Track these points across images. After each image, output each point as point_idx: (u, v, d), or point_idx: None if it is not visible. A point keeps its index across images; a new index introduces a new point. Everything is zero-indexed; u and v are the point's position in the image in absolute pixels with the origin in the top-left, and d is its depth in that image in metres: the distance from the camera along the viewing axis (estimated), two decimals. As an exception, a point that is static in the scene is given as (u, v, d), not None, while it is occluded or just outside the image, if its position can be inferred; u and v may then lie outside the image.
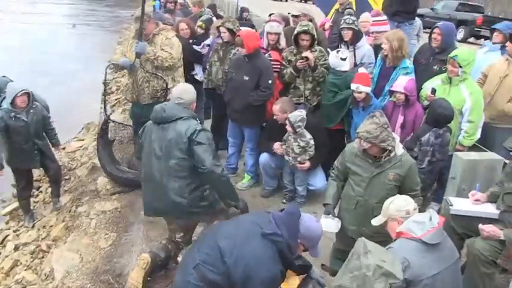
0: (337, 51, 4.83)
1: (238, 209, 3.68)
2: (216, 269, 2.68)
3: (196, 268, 2.73)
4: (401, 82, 4.46)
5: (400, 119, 4.56)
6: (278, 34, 5.17)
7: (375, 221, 2.94)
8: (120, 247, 4.08)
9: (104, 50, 16.05)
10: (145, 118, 3.82)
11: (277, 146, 4.74)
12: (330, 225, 3.49)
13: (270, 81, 4.78)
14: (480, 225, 3.17)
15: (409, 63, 4.82)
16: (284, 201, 5.02)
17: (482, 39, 16.18)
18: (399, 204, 2.78)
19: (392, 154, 3.32)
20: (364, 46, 5.28)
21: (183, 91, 3.61)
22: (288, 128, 4.57)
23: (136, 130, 4.77)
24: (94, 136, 7.62)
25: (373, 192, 3.23)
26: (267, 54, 5.08)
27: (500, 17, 20.76)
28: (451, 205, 3.52)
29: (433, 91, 4.40)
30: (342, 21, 5.17)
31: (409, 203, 2.77)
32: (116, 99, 9.98)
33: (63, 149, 7.42)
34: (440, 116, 4.06)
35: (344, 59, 4.77)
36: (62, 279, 3.82)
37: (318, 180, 4.85)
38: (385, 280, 2.35)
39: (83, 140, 7.98)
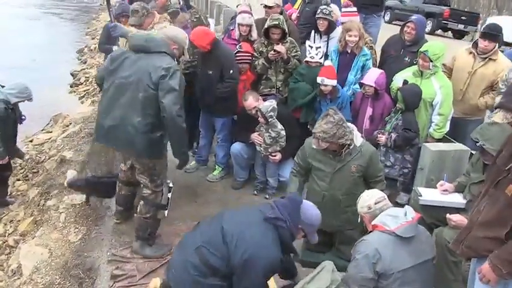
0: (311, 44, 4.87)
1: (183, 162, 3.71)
2: (217, 252, 2.69)
3: (198, 250, 2.73)
4: (372, 75, 4.54)
5: (369, 110, 4.65)
6: (250, 26, 5.15)
7: None
8: (90, 241, 4.00)
9: (72, 40, 15.66)
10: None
11: (255, 135, 4.74)
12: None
13: (231, 71, 4.73)
14: (448, 215, 3.25)
15: (367, 50, 4.95)
16: (255, 192, 5.02)
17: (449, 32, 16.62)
18: (363, 200, 2.90)
19: (351, 146, 3.38)
20: (337, 37, 5.31)
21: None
22: (260, 119, 4.58)
23: None
24: (62, 128, 7.47)
25: (337, 186, 3.27)
26: (237, 46, 5.05)
27: (465, 10, 21.34)
28: (420, 195, 3.60)
29: (405, 83, 4.48)
30: (319, 10, 5.17)
31: (371, 197, 2.86)
32: (84, 91, 9.77)
33: (31, 141, 7.26)
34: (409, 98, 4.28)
35: (318, 48, 4.83)
36: (31, 275, 3.72)
37: (288, 172, 4.84)
38: None
39: (51, 132, 7.78)
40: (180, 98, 3.37)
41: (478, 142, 3.14)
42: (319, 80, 4.57)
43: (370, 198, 2.84)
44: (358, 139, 3.44)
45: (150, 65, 3.30)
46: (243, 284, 2.70)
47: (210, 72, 4.73)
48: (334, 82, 4.61)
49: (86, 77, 10.59)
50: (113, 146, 3.76)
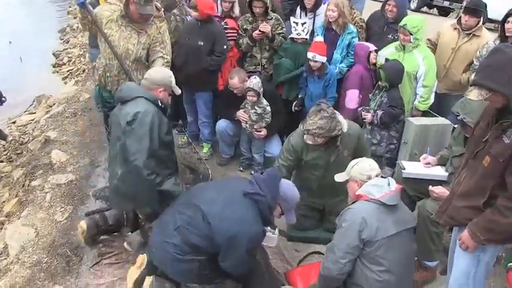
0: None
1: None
2: (199, 232, 2.72)
3: (178, 230, 2.77)
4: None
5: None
6: (232, 2, 5.09)
7: (338, 177, 3.03)
8: (77, 220, 3.99)
9: (52, 20, 15.31)
10: (114, 104, 3.57)
11: (240, 113, 4.73)
12: (271, 239, 3.29)
13: (224, 47, 4.75)
14: (430, 187, 3.32)
15: (353, 27, 4.93)
16: (241, 169, 5.06)
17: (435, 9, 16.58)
18: (363, 168, 2.86)
19: (341, 134, 3.39)
20: (323, 14, 5.27)
21: (154, 69, 3.49)
22: (252, 97, 4.56)
23: (106, 113, 4.28)
24: (46, 109, 7.37)
25: (333, 173, 3.21)
26: (223, 22, 4.99)
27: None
28: (403, 169, 3.66)
29: (386, 61, 4.50)
30: None
31: (373, 169, 2.85)
32: (68, 71, 9.61)
33: (14, 123, 7.16)
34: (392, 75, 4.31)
35: (304, 24, 4.80)
36: (17, 255, 3.72)
37: (274, 147, 4.89)
38: None
39: (34, 113, 7.67)
40: (148, 144, 3.03)
41: (459, 115, 3.19)
42: (310, 55, 4.54)
43: (372, 169, 2.84)
44: (344, 124, 3.43)
45: (122, 114, 3.14)
46: (228, 261, 2.76)
47: (201, 43, 4.69)
48: (324, 59, 4.59)
49: (68, 57, 10.40)
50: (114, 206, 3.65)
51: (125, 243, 3.67)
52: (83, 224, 3.56)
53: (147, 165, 3.01)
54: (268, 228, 3.10)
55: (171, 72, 3.48)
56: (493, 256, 2.55)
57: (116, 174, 3.20)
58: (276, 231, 3.27)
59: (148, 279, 2.96)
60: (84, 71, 9.19)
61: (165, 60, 4.10)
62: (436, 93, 4.74)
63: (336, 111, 3.43)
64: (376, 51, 4.70)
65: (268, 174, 2.96)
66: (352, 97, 4.75)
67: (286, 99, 4.97)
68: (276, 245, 3.48)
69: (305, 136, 3.41)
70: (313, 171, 3.66)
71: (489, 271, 2.60)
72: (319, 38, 4.75)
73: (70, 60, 10.19)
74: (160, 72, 3.42)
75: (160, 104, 3.22)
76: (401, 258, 2.64)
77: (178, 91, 3.48)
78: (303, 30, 4.79)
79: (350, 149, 3.56)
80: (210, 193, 2.90)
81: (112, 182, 3.29)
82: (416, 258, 3.23)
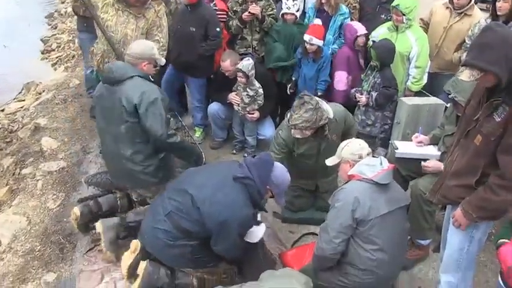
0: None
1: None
2: (189, 217, 2.72)
3: (169, 216, 2.76)
4: (361, 26, 4.65)
5: (362, 62, 4.74)
6: None
7: (329, 162, 3.02)
8: (69, 206, 3.96)
9: (39, 5, 15.00)
10: None
11: (232, 95, 4.70)
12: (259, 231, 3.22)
13: (218, 29, 4.68)
14: (423, 163, 3.33)
15: (345, 8, 4.89)
16: (234, 151, 5.06)
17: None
18: (354, 148, 2.84)
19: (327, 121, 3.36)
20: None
21: (135, 43, 3.41)
22: (241, 79, 4.52)
23: None
24: (35, 96, 7.27)
25: (325, 157, 3.17)
26: (212, 4, 4.92)
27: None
28: (396, 148, 3.65)
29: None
30: None
31: (363, 148, 2.83)
32: (57, 57, 9.46)
33: (2, 111, 7.06)
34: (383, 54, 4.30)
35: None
36: (9, 243, 3.69)
37: (267, 130, 4.88)
38: None
39: (23, 100, 7.55)
40: (164, 118, 3.23)
41: (450, 94, 3.18)
42: (306, 38, 4.50)
43: (362, 148, 2.82)
44: (330, 111, 3.39)
45: (122, 95, 3.16)
46: (220, 245, 2.77)
47: (193, 29, 4.62)
48: (320, 42, 4.58)
49: (57, 43, 10.21)
50: (122, 183, 3.60)
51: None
52: (76, 211, 3.53)
53: (170, 135, 3.24)
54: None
55: (152, 43, 3.45)
56: (485, 233, 2.57)
57: (123, 155, 3.26)
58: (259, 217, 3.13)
59: (143, 264, 2.95)
60: (73, 57, 9.04)
61: (161, 44, 4.01)
62: (428, 72, 4.72)
63: (319, 99, 3.39)
64: (368, 35, 4.65)
65: (260, 158, 2.94)
66: (340, 79, 4.75)
67: (280, 82, 4.94)
68: (271, 227, 3.48)
69: (293, 131, 3.37)
70: (306, 160, 3.67)
71: (481, 247, 2.62)
72: (317, 21, 4.72)
73: (59, 46, 10.00)
74: (142, 45, 3.38)
75: (151, 79, 3.27)
76: (394, 237, 2.65)
77: (162, 62, 3.51)
78: (293, 6, 4.73)
79: (338, 133, 3.56)
80: (199, 178, 2.88)
81: (118, 163, 3.32)
82: (409, 236, 3.25)
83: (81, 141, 5.16)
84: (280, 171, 2.94)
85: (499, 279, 2.34)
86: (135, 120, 3.18)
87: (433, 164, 3.29)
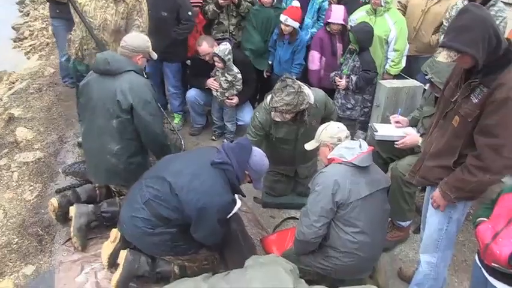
0: None
1: None
2: (168, 204, 2.70)
3: (147, 204, 2.73)
4: (339, 14, 4.52)
5: (339, 47, 4.67)
6: None
7: (308, 146, 3.01)
8: (46, 197, 3.88)
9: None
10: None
11: (211, 81, 4.64)
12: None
13: (189, 13, 4.59)
14: (400, 140, 3.35)
15: None
16: (213, 138, 5.03)
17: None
18: (332, 131, 2.83)
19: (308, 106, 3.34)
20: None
21: (130, 35, 3.35)
22: (218, 64, 4.46)
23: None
24: (8, 86, 7.07)
25: (303, 142, 3.17)
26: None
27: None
28: (376, 131, 3.66)
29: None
30: None
31: (342, 131, 2.82)
32: (30, 45, 9.20)
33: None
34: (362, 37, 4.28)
35: None
36: (-14, 237, 3.61)
37: (247, 115, 4.84)
38: None
39: (-5, 90, 7.35)
40: (160, 118, 3.36)
41: (427, 75, 3.19)
42: (282, 18, 4.47)
43: (341, 131, 2.82)
44: (311, 96, 3.37)
45: (118, 90, 3.11)
46: (200, 232, 2.75)
47: (165, 14, 4.53)
48: (296, 24, 4.54)
49: (30, 31, 9.91)
50: (100, 181, 3.54)
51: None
52: (54, 202, 3.47)
53: (166, 136, 3.37)
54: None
55: (146, 37, 3.42)
56: (463, 213, 2.60)
57: (108, 150, 3.21)
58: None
59: (123, 253, 2.92)
60: (47, 44, 8.81)
61: (141, 29, 3.96)
62: (406, 55, 4.73)
63: (302, 83, 3.36)
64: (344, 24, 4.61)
65: (238, 143, 2.91)
66: (312, 59, 4.73)
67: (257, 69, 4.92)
68: (252, 212, 3.47)
69: (273, 113, 3.33)
70: (284, 145, 3.64)
71: (459, 227, 2.66)
72: (295, 3, 4.66)
73: (32, 34, 9.71)
74: (138, 39, 3.35)
75: (145, 76, 3.28)
76: (375, 219, 2.67)
77: (155, 56, 3.49)
78: None
79: (318, 118, 3.54)
80: (177, 165, 2.84)
81: (101, 158, 3.26)
82: (389, 218, 3.28)
83: (57, 131, 5.05)
84: (259, 156, 2.92)
85: (476, 257, 2.39)
86: (127, 117, 3.16)
87: (410, 138, 3.32)
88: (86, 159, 3.64)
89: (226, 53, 4.38)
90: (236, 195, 2.92)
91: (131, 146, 3.26)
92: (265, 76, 4.91)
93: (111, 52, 3.38)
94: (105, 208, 3.37)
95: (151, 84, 3.35)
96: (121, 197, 3.46)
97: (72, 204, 3.46)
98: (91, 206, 3.39)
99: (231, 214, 2.91)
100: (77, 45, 3.94)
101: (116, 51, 3.84)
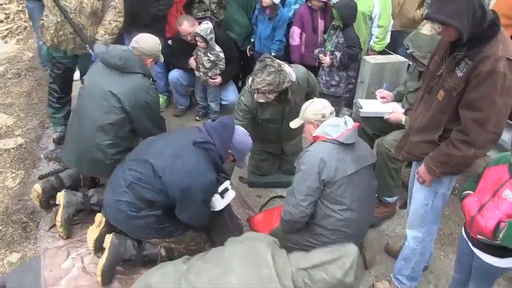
0: None
1: None
2: (151, 187, 2.66)
3: (131, 187, 2.69)
4: None
5: (321, 23, 4.60)
6: None
7: (293, 124, 2.97)
8: (30, 184, 3.81)
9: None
10: (68, 64, 3.58)
11: (192, 61, 4.57)
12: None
13: None
14: (386, 115, 3.34)
15: None
16: (197, 118, 4.98)
17: None
18: (316, 108, 2.79)
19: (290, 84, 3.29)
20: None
21: (142, 37, 3.26)
22: (200, 43, 4.38)
23: (58, 74, 4.06)
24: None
25: (289, 121, 3.12)
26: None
27: None
28: (361, 108, 3.65)
29: None
30: None
31: (326, 107, 2.79)
32: (7, 29, 8.94)
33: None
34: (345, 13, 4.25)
35: None
36: (-32, 225, 3.55)
37: (230, 94, 4.81)
38: None
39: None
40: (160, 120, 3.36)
41: (409, 49, 3.16)
42: None
43: (325, 107, 2.78)
44: (292, 74, 3.32)
45: (122, 89, 3.05)
46: (186, 213, 2.72)
47: None
48: (277, 0, 4.44)
49: (5, 14, 9.61)
50: (82, 172, 3.47)
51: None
52: (37, 188, 3.40)
53: None
54: (222, 188, 2.90)
55: (158, 40, 3.35)
56: (449, 187, 2.61)
57: (96, 144, 3.11)
58: (229, 185, 2.99)
59: (108, 237, 2.89)
60: (25, 28, 8.58)
61: (117, 10, 3.85)
62: (391, 31, 4.69)
63: (281, 62, 3.30)
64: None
65: (220, 122, 2.87)
66: (292, 34, 4.70)
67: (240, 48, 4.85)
68: (238, 192, 3.45)
69: (256, 95, 3.28)
70: (270, 125, 3.61)
71: (445, 202, 2.67)
72: None
73: (8, 17, 9.42)
74: (150, 41, 3.28)
75: (152, 81, 3.27)
76: (361, 196, 2.67)
77: (161, 59, 3.46)
78: None
79: (302, 95, 3.51)
80: (159, 146, 2.79)
81: (86, 150, 3.16)
82: (376, 194, 3.28)
83: (38, 116, 4.94)
84: (242, 134, 2.89)
85: (462, 230, 2.40)
86: (126, 116, 3.11)
87: (394, 115, 3.33)
88: (66, 141, 3.47)
89: (208, 32, 4.30)
90: (229, 185, 2.89)
91: (121, 144, 3.18)
92: (249, 55, 4.83)
93: (126, 49, 3.26)
94: (95, 200, 3.32)
95: (155, 88, 3.32)
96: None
97: (56, 190, 3.41)
98: (80, 194, 3.33)
99: (224, 205, 2.88)
100: (52, 31, 3.80)
101: (94, 35, 3.77)
